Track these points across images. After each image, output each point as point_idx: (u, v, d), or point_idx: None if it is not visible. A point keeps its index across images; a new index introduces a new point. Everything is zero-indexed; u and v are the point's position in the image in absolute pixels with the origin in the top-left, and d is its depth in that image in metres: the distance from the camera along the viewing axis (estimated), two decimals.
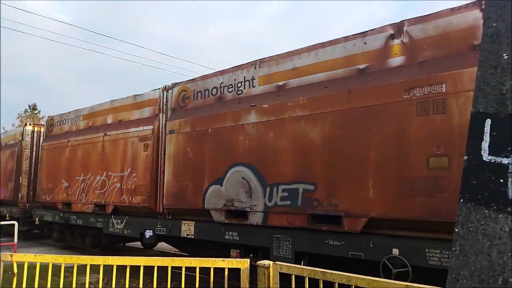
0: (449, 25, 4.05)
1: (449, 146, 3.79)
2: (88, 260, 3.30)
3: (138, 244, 10.18)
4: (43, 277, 3.40)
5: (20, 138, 12.61)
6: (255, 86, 5.86)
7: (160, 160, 7.23)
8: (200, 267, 3.06)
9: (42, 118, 35.67)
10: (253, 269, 2.90)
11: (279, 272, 2.72)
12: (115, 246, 9.39)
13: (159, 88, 7.68)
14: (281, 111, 5.32)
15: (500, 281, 1.68)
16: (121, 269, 3.32)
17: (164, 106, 7.41)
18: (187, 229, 6.55)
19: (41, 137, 12.07)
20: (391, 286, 2.23)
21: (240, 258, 5.77)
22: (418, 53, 4.22)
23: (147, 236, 7.25)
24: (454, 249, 1.87)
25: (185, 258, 3.17)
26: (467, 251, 1.81)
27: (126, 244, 10.27)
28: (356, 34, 4.77)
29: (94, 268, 3.39)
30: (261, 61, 5.83)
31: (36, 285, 3.36)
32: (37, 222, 10.79)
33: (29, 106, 39.84)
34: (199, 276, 3.17)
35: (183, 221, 6.63)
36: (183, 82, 7.14)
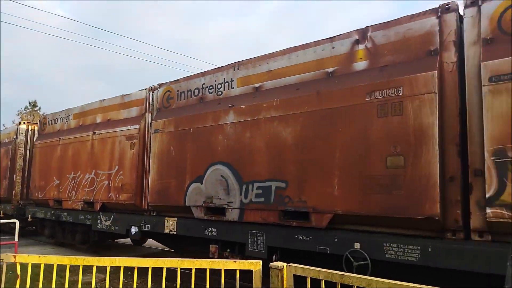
0: (408, 31, 4.27)
1: (404, 146, 4.01)
2: (95, 261, 3.25)
3: (128, 240, 10.42)
4: (45, 276, 3.39)
5: (15, 137, 12.85)
6: (233, 88, 6.09)
7: (145, 159, 7.47)
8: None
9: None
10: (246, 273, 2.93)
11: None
12: (104, 242, 9.61)
13: (145, 89, 7.91)
14: (257, 112, 5.54)
15: None
16: (118, 270, 3.29)
17: (150, 106, 7.64)
18: (170, 225, 6.78)
19: (35, 136, 12.31)
20: None
21: (218, 253, 6.03)
22: (380, 58, 4.44)
23: (132, 232, 7.48)
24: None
25: (195, 260, 3.11)
26: None
27: (116, 240, 10.49)
28: (325, 39, 5.00)
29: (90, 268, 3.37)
30: (239, 63, 6.06)
31: (40, 285, 3.34)
32: (29, 219, 11.02)
33: (29, 103, 40.15)
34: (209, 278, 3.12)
35: (166, 218, 6.86)
36: (167, 83, 7.36)
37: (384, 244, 4.14)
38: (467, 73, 3.86)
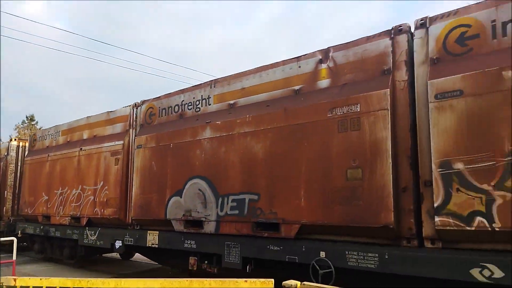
0: (365, 52, 4.57)
1: (362, 159, 4.27)
2: (99, 283, 3.05)
3: (114, 255, 10.53)
4: None
5: (6, 153, 13.03)
6: (210, 104, 6.36)
7: (129, 174, 7.68)
8: None
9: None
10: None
11: None
12: (91, 257, 9.71)
13: (130, 105, 8.17)
14: (231, 128, 5.80)
15: None
16: None
17: (134, 122, 7.90)
18: (152, 238, 6.96)
19: (26, 152, 12.50)
20: None
21: (196, 265, 6.20)
22: (340, 76, 4.73)
23: (116, 247, 7.64)
24: None
25: (204, 280, 2.99)
26: None
27: (103, 255, 10.59)
28: (292, 58, 5.30)
29: None
30: (216, 81, 6.35)
31: None
32: (19, 235, 11.12)
33: (26, 117, 40.33)
34: None
35: (148, 231, 7.04)
36: (150, 100, 7.63)
37: (347, 252, 4.36)
38: (417, 91, 4.14)
